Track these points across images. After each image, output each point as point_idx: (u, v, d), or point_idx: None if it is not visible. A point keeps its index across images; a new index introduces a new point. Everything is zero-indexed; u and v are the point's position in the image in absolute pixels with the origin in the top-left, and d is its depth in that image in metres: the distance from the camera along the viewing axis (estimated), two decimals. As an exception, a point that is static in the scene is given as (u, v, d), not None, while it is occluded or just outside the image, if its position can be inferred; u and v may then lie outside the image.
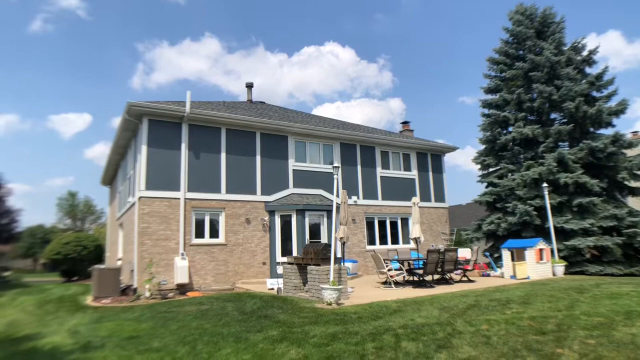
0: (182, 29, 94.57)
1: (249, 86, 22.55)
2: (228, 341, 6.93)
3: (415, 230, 13.49)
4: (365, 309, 8.65)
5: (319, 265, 10.22)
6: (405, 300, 9.44)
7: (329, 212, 16.07)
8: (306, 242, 15.70)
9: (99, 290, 13.70)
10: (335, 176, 11.20)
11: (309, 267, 10.55)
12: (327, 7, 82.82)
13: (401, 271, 12.56)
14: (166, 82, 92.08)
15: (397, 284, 12.87)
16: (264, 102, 23.25)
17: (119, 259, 19.51)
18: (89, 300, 13.35)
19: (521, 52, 19.08)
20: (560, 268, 14.32)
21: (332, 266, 9.71)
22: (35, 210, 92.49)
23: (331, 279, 9.49)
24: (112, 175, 24.12)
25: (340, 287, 9.24)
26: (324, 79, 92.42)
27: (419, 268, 12.76)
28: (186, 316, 9.04)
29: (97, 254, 26.19)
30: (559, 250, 15.47)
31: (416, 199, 13.88)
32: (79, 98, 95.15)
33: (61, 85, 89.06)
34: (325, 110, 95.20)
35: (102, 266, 14.28)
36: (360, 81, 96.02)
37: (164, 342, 7.17)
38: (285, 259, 13.98)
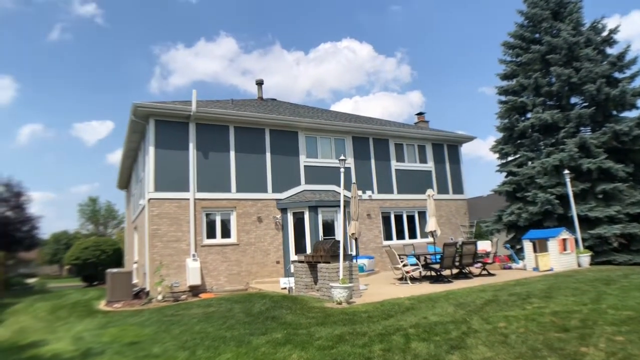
0: (196, 29, 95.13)
1: (259, 83, 22.29)
2: (229, 345, 6.62)
3: (431, 223, 12.98)
4: (377, 308, 8.23)
5: (329, 262, 9.84)
6: (419, 297, 8.98)
7: (344, 207, 15.64)
8: (319, 239, 15.35)
9: (112, 295, 13.61)
10: (341, 169, 10.79)
11: (319, 265, 10.19)
12: (343, 3, 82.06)
13: (417, 266, 12.08)
14: (183, 84, 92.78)
15: (413, 279, 12.40)
16: (275, 99, 22.96)
17: (135, 262, 19.51)
18: (101, 304, 13.28)
19: (537, 35, 18.21)
20: (585, 258, 13.59)
21: (341, 263, 9.31)
22: (63, 217, 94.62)
23: (341, 276, 9.10)
24: (127, 179, 24.19)
25: (350, 285, 8.84)
26: (341, 75, 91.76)
27: (436, 263, 12.25)
28: (191, 319, 8.77)
29: (117, 257, 26.38)
30: (584, 240, 14.70)
31: (431, 191, 13.35)
32: (101, 105, 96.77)
33: (83, 93, 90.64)
34: (344, 106, 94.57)
35: (114, 270, 14.17)
36: (378, 76, 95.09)
37: (164, 347, 6.93)
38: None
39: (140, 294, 14.39)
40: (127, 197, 26.71)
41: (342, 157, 10.89)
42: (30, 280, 33.66)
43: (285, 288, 12.19)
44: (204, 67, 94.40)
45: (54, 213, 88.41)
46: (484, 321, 6.71)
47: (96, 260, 24.82)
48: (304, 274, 11.00)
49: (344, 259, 9.72)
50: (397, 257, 11.90)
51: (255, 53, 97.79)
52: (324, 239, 15.29)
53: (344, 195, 15.69)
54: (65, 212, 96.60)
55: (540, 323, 6.38)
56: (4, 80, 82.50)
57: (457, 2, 77.26)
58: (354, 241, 15.02)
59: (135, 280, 17.35)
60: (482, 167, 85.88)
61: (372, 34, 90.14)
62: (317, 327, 7.12)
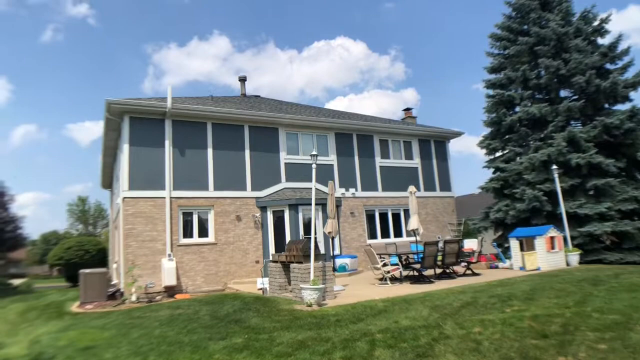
0: (189, 28, 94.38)
1: (242, 80, 21.76)
2: (184, 351, 6.16)
3: (413, 221, 12.51)
4: (347, 311, 7.74)
5: (301, 263, 9.35)
6: (394, 299, 8.50)
7: (325, 205, 15.16)
8: (300, 238, 14.86)
9: (85, 296, 13.09)
10: (313, 165, 10.29)
11: (291, 266, 9.70)
12: (337, 1, 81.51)
13: (398, 266, 11.61)
14: (177, 84, 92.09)
15: (394, 280, 11.93)
16: (259, 96, 22.46)
17: (115, 262, 18.97)
18: (74, 306, 12.75)
19: (525, 26, 17.68)
20: (574, 257, 13.14)
21: (312, 263, 8.81)
22: (57, 217, 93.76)
23: (311, 277, 8.60)
24: (109, 178, 23.62)
25: (321, 286, 8.34)
26: (335, 73, 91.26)
27: (418, 262, 11.78)
28: (154, 322, 8.28)
29: (101, 257, 25.73)
30: (573, 238, 14.22)
31: (413, 188, 12.86)
32: (94, 106, 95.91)
33: (76, 93, 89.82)
34: (338, 104, 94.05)
35: (87, 270, 13.63)
36: (372, 74, 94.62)
37: (117, 352, 6.49)
38: (277, 257, 13.16)
39: (116, 295, 13.88)
40: (110, 197, 26.17)
41: (313, 153, 10.38)
42: (16, 281, 33.01)
43: (261, 289, 11.70)
44: (197, 67, 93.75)
45: (48, 213, 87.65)
46: (457, 326, 6.24)
47: (79, 260, 24.12)
48: (278, 274, 10.51)
49: (318, 259, 9.23)
50: (376, 256, 11.42)
51: (249, 52, 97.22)
52: (305, 237, 14.83)
53: (322, 192, 15.26)
54: (59, 212, 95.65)
55: (518, 328, 5.92)
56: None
57: None
58: (330, 240, 14.51)
59: (115, 281, 16.84)
60: (476, 165, 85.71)
61: (366, 31, 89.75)
62: (281, 332, 6.64)
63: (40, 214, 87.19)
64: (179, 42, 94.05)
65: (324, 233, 13.73)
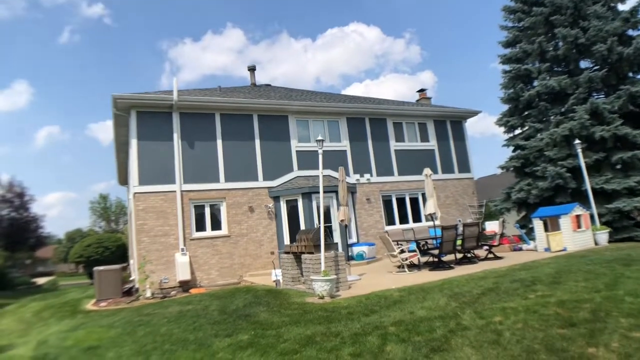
0: (203, 22, 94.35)
1: (252, 69, 21.34)
2: (188, 349, 5.92)
3: (429, 205, 11.98)
4: (360, 302, 7.35)
5: (312, 253, 8.99)
6: (411, 288, 8.07)
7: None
8: (315, 227, 14.51)
9: (100, 293, 13.07)
10: (320, 150, 9.89)
11: (303, 256, 9.35)
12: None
13: (415, 252, 11.15)
14: (193, 79, 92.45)
15: (413, 266, 11.49)
16: (269, 85, 22.03)
17: (132, 258, 19.02)
18: (90, 304, 12.72)
19: (540, -4, 16.83)
20: (603, 236, 12.42)
21: (322, 253, 8.44)
22: (82, 215, 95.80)
23: (322, 268, 8.23)
24: (124, 174, 23.64)
25: (332, 277, 7.96)
26: (350, 60, 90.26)
27: (436, 248, 11.29)
28: (162, 319, 8.06)
29: (121, 253, 25.97)
30: (601, 215, 13.47)
31: (428, 170, 12.31)
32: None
33: (96, 93, 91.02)
34: (354, 91, 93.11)
35: (101, 268, 13.59)
36: (388, 58, 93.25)
37: (120, 352, 6.32)
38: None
39: (132, 291, 13.82)
40: (126, 193, 26.30)
41: (319, 138, 9.96)
42: (42, 280, 33.72)
43: (275, 281, 11.42)
44: (212, 61, 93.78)
45: (74, 212, 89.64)
46: (477, 315, 5.79)
47: (99, 257, 24.44)
48: (290, 265, 10.18)
49: (330, 248, 8.86)
50: (392, 243, 10.98)
51: (263, 43, 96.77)
52: (319, 226, 14.49)
53: (335, 179, 14.79)
54: (85, 210, 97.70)
55: (543, 316, 5.44)
56: (20, 85, 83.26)
57: (464, -24, 74.66)
58: (347, 228, 14.12)
59: (132, 277, 16.84)
60: (497, 145, 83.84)
61: (379, 16, 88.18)
62: (289, 327, 6.31)
63: (67, 213, 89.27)
64: (193, 37, 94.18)
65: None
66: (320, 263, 8.50)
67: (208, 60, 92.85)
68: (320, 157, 9.78)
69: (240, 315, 7.48)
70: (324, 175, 15.55)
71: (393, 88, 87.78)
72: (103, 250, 24.76)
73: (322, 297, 7.83)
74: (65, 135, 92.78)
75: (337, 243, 9.73)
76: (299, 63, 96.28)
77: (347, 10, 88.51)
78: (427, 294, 7.37)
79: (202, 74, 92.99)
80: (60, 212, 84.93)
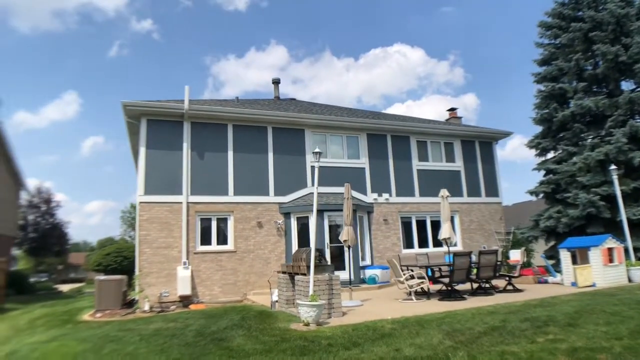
0: (246, 39, 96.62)
1: (276, 82, 21.09)
2: (140, 377, 5.23)
3: (444, 229, 11.02)
4: (346, 332, 6.52)
5: (305, 274, 8.23)
6: (407, 320, 7.16)
7: (353, 211, 13.94)
8: (326, 246, 13.76)
9: (99, 303, 12.68)
10: (315, 164, 9.23)
11: (296, 278, 8.61)
12: (393, 6, 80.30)
13: (423, 279, 10.17)
14: (234, 95, 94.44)
15: (423, 294, 10.51)
16: (294, 99, 21.63)
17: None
18: (87, 314, 12.36)
19: (580, 12, 15.61)
20: (638, 272, 11.04)
21: (311, 276, 7.67)
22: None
23: (310, 292, 7.45)
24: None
25: (319, 303, 7.16)
26: (392, 80, 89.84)
27: (447, 276, 10.28)
28: (135, 337, 7.46)
29: (140, 264, 25.84)
30: (637, 250, 12.04)
31: (445, 192, 11.39)
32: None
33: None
34: (395, 111, 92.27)
35: (102, 277, 13.28)
36: (430, 80, 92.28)
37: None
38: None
39: (133, 303, 13.41)
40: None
41: (316, 150, 9.30)
42: (65, 287, 34.16)
43: (273, 302, 10.69)
44: (255, 77, 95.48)
45: (114, 221, 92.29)
46: (469, 359, 4.87)
47: (117, 266, 24.25)
48: (285, 286, 9.44)
49: (324, 271, 8.09)
50: (399, 268, 10.06)
51: (306, 61, 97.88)
52: (331, 246, 13.73)
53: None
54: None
55: (548, 366, 4.48)
56: (71, 95, 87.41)
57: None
58: (350, 249, 13.25)
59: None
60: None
61: (424, 37, 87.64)
62: (258, 357, 5.56)
63: (107, 222, 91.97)
64: (237, 53, 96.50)
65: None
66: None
67: (250, 76, 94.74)
68: (316, 170, 9.13)
69: (214, 339, 6.79)
70: (337, 193, 14.90)
71: (435, 110, 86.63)
72: (122, 260, 24.62)
73: (307, 324, 7.04)
74: (109, 145, 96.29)
75: (332, 265, 8.90)
76: (340, 82, 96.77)
77: (391, 31, 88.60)
78: (423, 329, 6.46)
79: (245, 90, 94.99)
80: (100, 220, 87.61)
